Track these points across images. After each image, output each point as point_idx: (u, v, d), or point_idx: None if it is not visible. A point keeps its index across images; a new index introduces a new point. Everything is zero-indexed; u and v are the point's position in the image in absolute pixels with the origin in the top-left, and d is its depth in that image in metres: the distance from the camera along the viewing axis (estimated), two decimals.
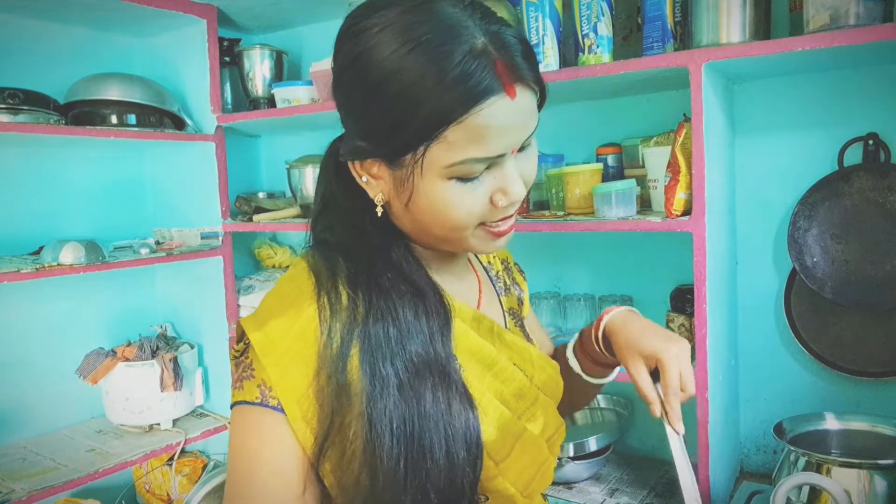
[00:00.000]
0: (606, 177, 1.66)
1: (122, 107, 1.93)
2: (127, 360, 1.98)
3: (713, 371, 1.41)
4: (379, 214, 0.79)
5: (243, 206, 2.13)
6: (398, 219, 0.80)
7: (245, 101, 2.20)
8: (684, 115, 1.42)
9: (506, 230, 0.79)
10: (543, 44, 1.53)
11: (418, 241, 0.83)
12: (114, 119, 1.93)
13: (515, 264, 1.11)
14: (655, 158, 1.54)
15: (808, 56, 1.28)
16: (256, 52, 2.11)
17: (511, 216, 0.78)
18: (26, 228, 1.98)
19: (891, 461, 1.23)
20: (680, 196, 1.40)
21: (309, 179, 2.03)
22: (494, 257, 1.05)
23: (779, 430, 1.39)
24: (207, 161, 2.11)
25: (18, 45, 1.96)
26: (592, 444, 1.60)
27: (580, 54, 1.51)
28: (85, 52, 2.11)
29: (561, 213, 1.64)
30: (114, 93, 1.92)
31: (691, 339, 1.64)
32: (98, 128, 1.89)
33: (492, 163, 0.73)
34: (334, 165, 0.83)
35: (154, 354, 2.01)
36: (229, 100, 2.27)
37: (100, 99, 1.92)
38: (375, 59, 0.69)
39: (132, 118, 1.95)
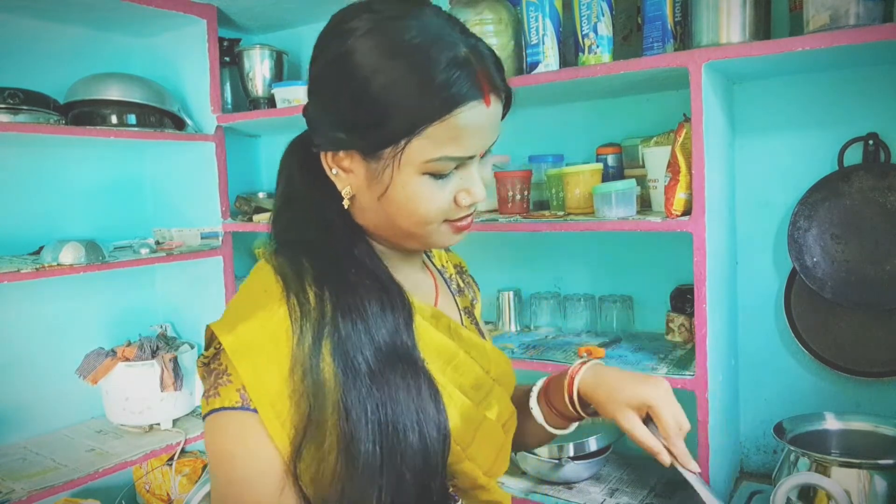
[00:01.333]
0: (606, 177, 1.66)
1: (122, 107, 1.93)
2: (127, 360, 1.98)
3: (713, 371, 1.41)
4: (346, 207, 0.82)
5: (243, 206, 2.13)
6: (363, 213, 0.83)
7: (245, 101, 2.20)
8: (684, 115, 1.42)
9: (467, 225, 0.84)
10: (543, 44, 1.53)
11: (380, 237, 0.86)
12: (114, 119, 1.93)
13: (470, 275, 1.13)
14: (655, 158, 1.54)
15: (808, 56, 1.28)
16: (256, 52, 2.11)
17: (471, 214, 0.84)
18: (26, 228, 1.98)
19: (891, 461, 1.23)
20: (680, 196, 1.40)
21: None
22: (448, 262, 1.07)
23: (779, 430, 1.39)
24: (207, 161, 2.11)
25: (18, 45, 1.96)
26: (592, 444, 1.60)
27: (580, 54, 1.51)
28: (85, 52, 2.11)
29: (561, 213, 1.64)
30: (114, 93, 1.92)
31: (691, 339, 1.64)
32: (98, 128, 1.89)
33: (460, 164, 0.79)
34: (298, 162, 0.86)
35: (154, 354, 2.00)
36: (229, 100, 2.27)
37: (100, 99, 1.92)
38: (367, 56, 0.74)
39: (132, 118, 1.95)
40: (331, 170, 0.81)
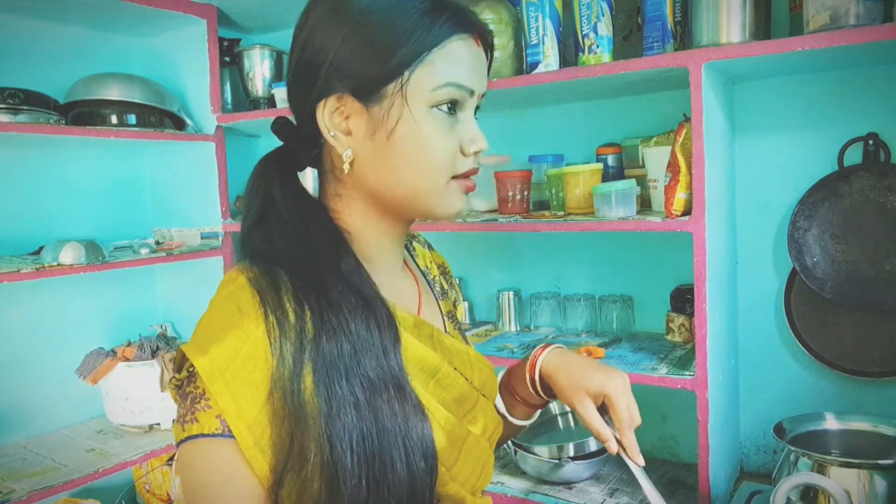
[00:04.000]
0: (606, 177, 1.66)
1: (122, 107, 1.93)
2: (127, 360, 1.98)
3: (713, 371, 1.41)
4: (346, 171, 0.79)
5: (243, 206, 2.13)
6: (365, 175, 0.79)
7: (245, 101, 2.20)
8: (684, 115, 1.42)
9: (473, 185, 0.83)
10: (543, 44, 1.53)
11: (381, 201, 0.81)
12: (114, 119, 1.93)
13: (452, 276, 1.10)
14: (655, 158, 1.54)
15: (808, 56, 1.28)
16: (256, 52, 2.12)
17: (476, 170, 0.83)
18: (26, 228, 1.98)
19: (891, 461, 1.23)
20: (680, 196, 1.40)
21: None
22: (431, 262, 1.04)
23: (779, 430, 1.38)
24: (207, 161, 2.11)
25: (18, 45, 1.96)
26: (592, 444, 1.60)
27: (580, 54, 1.51)
28: (85, 52, 2.11)
29: (561, 213, 1.64)
30: (114, 93, 1.92)
31: (691, 339, 1.64)
32: (98, 128, 1.89)
33: (460, 107, 0.79)
34: (277, 177, 0.83)
35: (154, 354, 2.00)
36: (229, 100, 2.27)
37: (100, 99, 1.92)
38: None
39: (132, 118, 1.95)
40: (328, 132, 0.79)
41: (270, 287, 0.74)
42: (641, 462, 0.89)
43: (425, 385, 0.82)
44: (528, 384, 0.95)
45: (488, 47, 0.83)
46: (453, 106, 0.78)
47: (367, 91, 0.76)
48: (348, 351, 0.72)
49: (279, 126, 0.86)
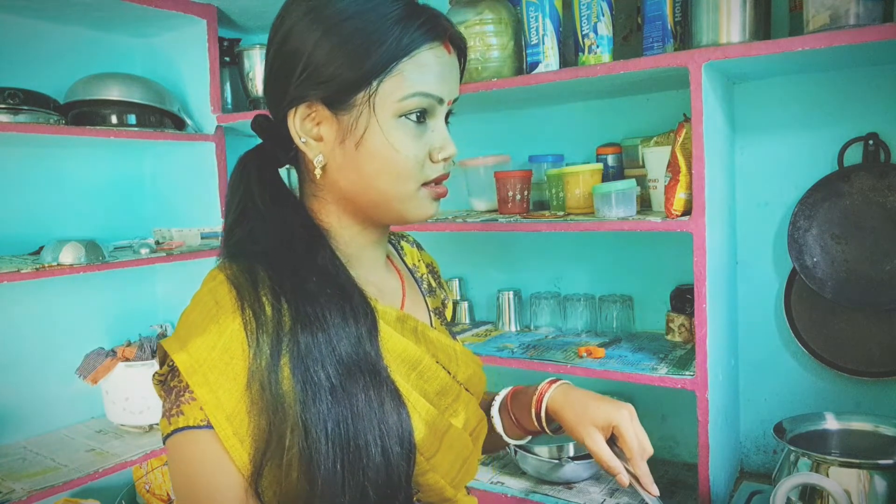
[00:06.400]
0: (606, 177, 1.66)
1: (122, 107, 1.93)
2: (127, 360, 1.98)
3: (713, 371, 1.41)
4: (318, 176, 0.81)
5: None
6: (337, 180, 0.81)
7: (245, 101, 2.20)
8: (684, 115, 1.42)
9: (444, 191, 0.84)
10: (543, 44, 1.53)
11: (349, 220, 0.84)
12: (114, 119, 1.93)
13: (440, 275, 1.11)
14: (655, 158, 1.54)
15: (808, 56, 1.28)
16: (256, 52, 2.12)
17: (446, 176, 0.84)
18: (26, 228, 1.98)
19: (891, 461, 1.23)
20: (680, 196, 1.40)
21: None
22: (420, 261, 1.05)
23: (779, 430, 1.39)
24: (207, 161, 2.11)
25: (18, 46, 1.96)
26: None
27: (580, 54, 1.51)
28: (85, 52, 2.11)
29: (561, 213, 1.64)
30: (114, 93, 1.92)
31: (691, 339, 1.64)
32: (98, 128, 1.88)
33: (430, 115, 0.80)
34: (256, 177, 0.84)
35: (154, 354, 2.00)
36: (229, 100, 2.27)
37: (100, 99, 1.91)
38: (338, 4, 0.77)
39: (132, 118, 1.95)
40: (300, 138, 0.80)
41: (248, 282, 0.75)
42: (656, 492, 0.88)
43: (406, 377, 0.83)
44: (534, 418, 0.95)
45: (461, 53, 0.83)
46: (423, 114, 0.79)
47: (337, 100, 0.77)
48: (323, 339, 0.74)
49: (259, 123, 0.87)
